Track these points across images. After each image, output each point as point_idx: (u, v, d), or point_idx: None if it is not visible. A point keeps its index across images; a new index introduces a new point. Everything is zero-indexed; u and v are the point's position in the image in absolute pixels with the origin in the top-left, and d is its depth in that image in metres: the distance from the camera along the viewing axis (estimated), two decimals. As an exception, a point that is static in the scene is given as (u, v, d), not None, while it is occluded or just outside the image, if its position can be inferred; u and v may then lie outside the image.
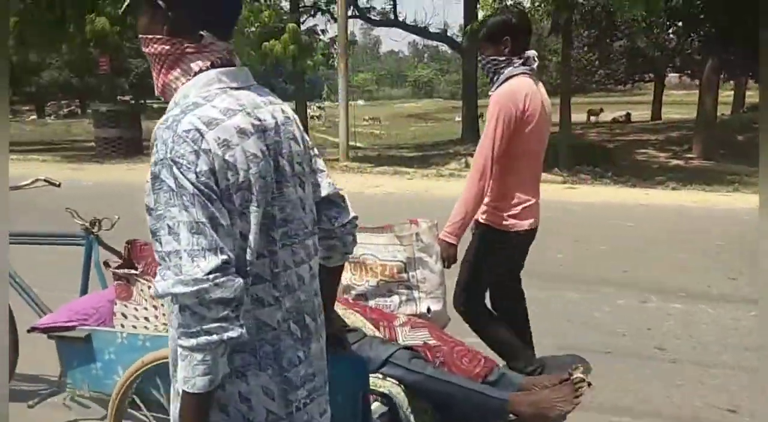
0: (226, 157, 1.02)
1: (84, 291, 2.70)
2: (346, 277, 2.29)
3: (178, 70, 1.11)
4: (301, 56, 12.02)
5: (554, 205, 6.01)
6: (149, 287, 2.04)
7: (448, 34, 24.64)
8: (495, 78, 2.47)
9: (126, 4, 1.19)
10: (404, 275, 2.34)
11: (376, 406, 1.75)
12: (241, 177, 1.04)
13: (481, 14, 13.09)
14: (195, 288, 0.94)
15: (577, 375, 1.85)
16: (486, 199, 2.48)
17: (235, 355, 1.06)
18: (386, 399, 1.77)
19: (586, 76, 27.11)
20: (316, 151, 1.30)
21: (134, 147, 14.28)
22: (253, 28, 12.12)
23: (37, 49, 13.80)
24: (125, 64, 30.86)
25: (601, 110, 26.15)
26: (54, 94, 36.59)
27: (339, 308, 1.80)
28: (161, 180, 0.99)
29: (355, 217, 1.35)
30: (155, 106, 33.51)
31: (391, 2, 20.37)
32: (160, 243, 1.00)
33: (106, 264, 2.47)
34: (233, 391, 1.07)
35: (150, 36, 1.12)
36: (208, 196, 0.99)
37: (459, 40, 21.30)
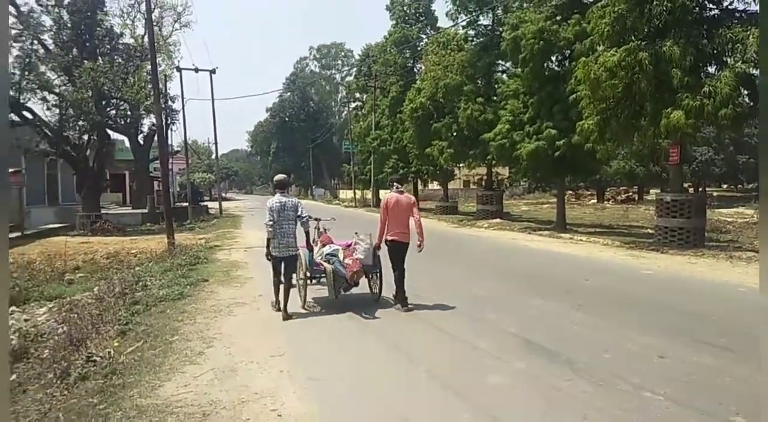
0: (272, 204, 7.58)
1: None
2: (356, 246, 8.30)
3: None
4: None
5: None
6: (316, 243, 8.55)
7: None
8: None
9: None
10: (354, 246, 8.26)
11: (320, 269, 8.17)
12: (274, 207, 7.55)
13: None
14: (265, 223, 7.62)
15: (356, 270, 7.86)
16: (386, 231, 7.97)
17: (272, 238, 7.59)
18: (323, 267, 8.03)
19: None
20: (301, 206, 7.78)
21: (696, 237, 13.61)
22: None
23: (614, 141, 15.07)
24: (690, 152, 30.68)
25: None
26: (615, 181, 39.61)
27: (341, 250, 8.27)
28: (267, 206, 7.67)
29: (306, 221, 7.81)
30: (715, 193, 31.72)
31: None
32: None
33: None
34: (275, 243, 7.59)
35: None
36: (269, 210, 7.57)
37: None
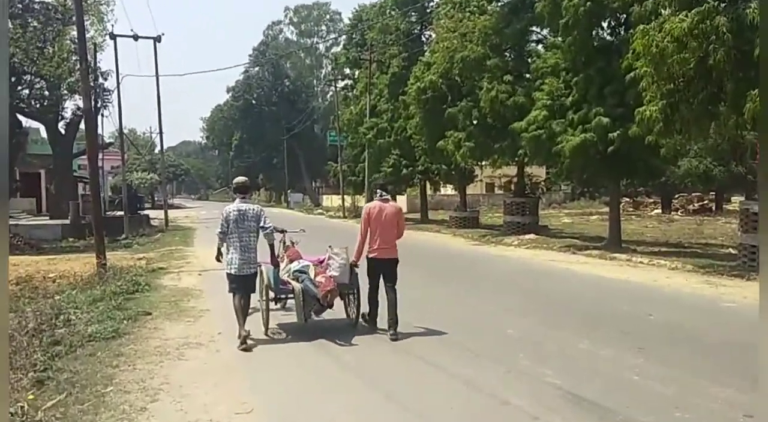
0: (228, 213, 8.62)
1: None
2: (330, 262, 9.20)
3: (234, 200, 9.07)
4: None
5: None
6: (282, 258, 9.76)
7: None
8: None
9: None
10: (327, 262, 9.18)
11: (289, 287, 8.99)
12: (230, 216, 8.57)
13: None
14: (216, 233, 8.81)
15: (330, 289, 8.75)
16: (366, 246, 9.02)
17: (227, 246, 8.70)
18: (291, 286, 8.89)
19: None
20: (264, 215, 8.67)
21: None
22: None
23: (684, 133, 15.12)
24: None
25: None
26: (686, 185, 39.68)
27: (311, 266, 9.27)
28: (223, 215, 8.72)
29: (270, 231, 8.58)
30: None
31: None
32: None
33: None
34: (234, 258, 8.53)
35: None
36: (224, 219, 8.62)
37: None
